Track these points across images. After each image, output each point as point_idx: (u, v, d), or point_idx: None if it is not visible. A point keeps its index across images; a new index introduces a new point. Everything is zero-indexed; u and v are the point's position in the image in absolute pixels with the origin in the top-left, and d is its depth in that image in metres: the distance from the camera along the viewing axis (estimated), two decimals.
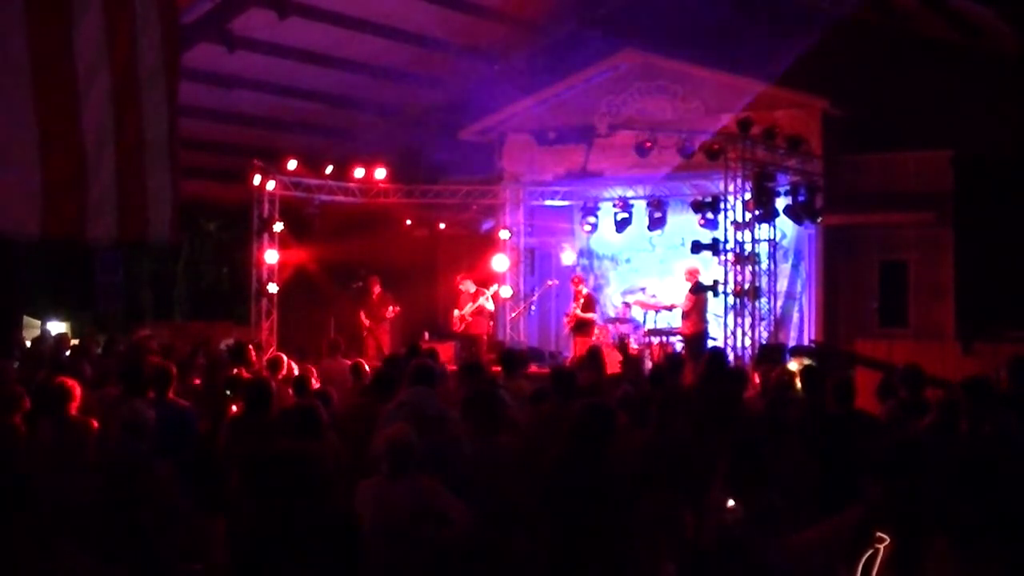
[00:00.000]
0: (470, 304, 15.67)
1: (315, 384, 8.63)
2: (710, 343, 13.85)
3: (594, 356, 9.83)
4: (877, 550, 3.49)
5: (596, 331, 15.36)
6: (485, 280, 16.40)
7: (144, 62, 4.34)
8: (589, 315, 15.05)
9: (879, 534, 3.51)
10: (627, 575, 4.85)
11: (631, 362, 12.91)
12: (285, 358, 9.41)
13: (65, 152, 4.15)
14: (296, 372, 9.04)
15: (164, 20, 4.40)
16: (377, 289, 16.17)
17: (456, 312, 15.83)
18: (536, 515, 5.24)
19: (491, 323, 16.16)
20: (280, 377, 8.76)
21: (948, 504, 3.45)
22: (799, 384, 7.65)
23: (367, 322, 15.94)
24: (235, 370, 9.10)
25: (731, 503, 4.42)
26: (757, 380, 9.93)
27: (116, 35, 4.26)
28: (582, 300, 15.12)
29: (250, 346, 10.32)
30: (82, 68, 4.19)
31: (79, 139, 4.18)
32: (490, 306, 15.79)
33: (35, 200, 4.08)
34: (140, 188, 4.32)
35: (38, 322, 18.62)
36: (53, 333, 16.41)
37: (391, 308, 16.01)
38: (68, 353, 11.59)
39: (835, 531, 3.75)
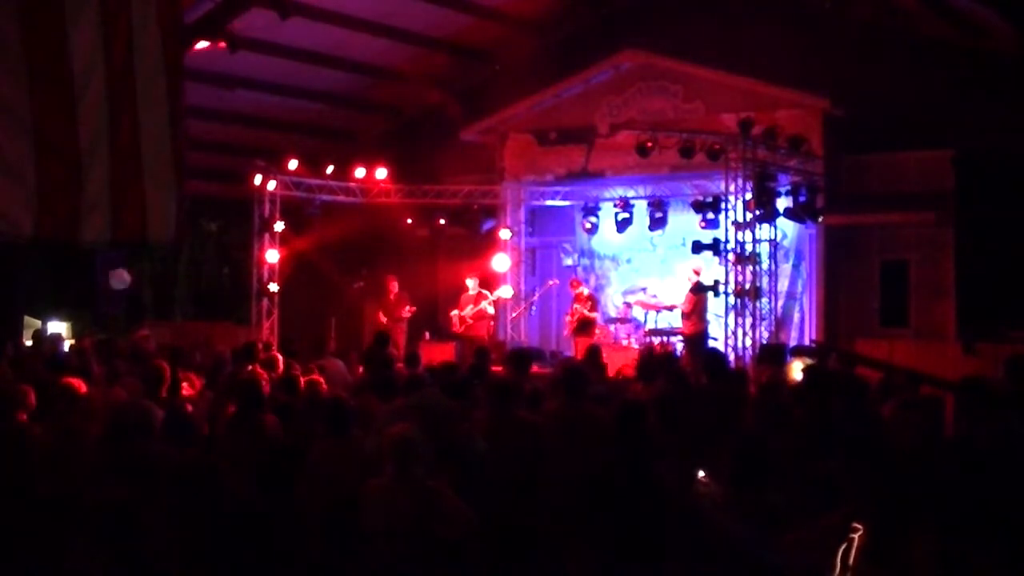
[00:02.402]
0: (471, 306, 15.70)
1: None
2: (711, 343, 13.89)
3: (593, 355, 9.84)
4: (852, 540, 3.52)
5: (597, 331, 15.39)
6: (489, 280, 16.43)
7: (142, 62, 4.31)
8: (594, 314, 15.10)
9: (854, 524, 3.55)
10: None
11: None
12: (281, 358, 9.42)
13: (60, 154, 4.13)
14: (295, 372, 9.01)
15: (163, 19, 4.37)
16: (395, 288, 16.30)
17: (455, 312, 15.85)
18: (581, 517, 5.24)
19: (492, 324, 16.19)
20: (275, 378, 8.73)
21: (937, 498, 3.46)
22: (801, 383, 7.66)
23: (384, 321, 15.96)
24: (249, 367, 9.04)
25: (701, 474, 4.44)
26: (764, 379, 9.93)
27: (112, 36, 4.23)
28: (588, 302, 15.15)
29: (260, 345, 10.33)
30: (78, 69, 4.16)
31: (74, 141, 4.15)
32: (491, 311, 15.89)
33: (29, 202, 4.07)
34: (136, 190, 4.29)
35: (38, 322, 18.60)
36: (50, 333, 16.39)
37: (408, 308, 16.08)
38: (67, 352, 11.58)
39: (826, 529, 3.77)
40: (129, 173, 4.27)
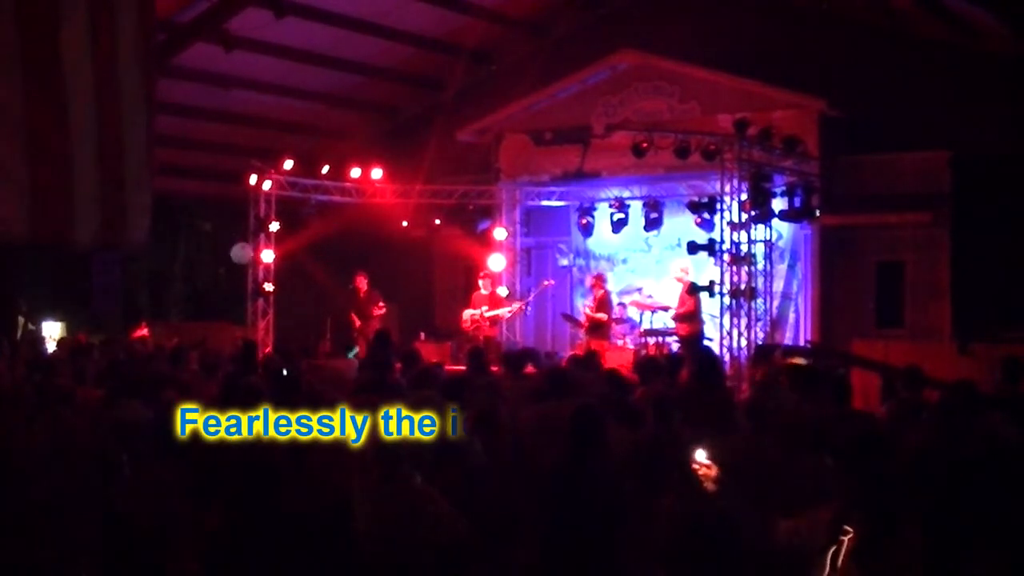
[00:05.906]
0: (485, 307, 15.64)
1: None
2: (707, 343, 13.87)
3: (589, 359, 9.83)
4: (841, 542, 3.53)
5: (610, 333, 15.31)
6: (494, 282, 16.42)
7: (124, 60, 4.27)
8: (600, 315, 14.97)
9: (844, 527, 3.56)
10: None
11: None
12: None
13: (53, 155, 4.09)
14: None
15: (143, 15, 4.33)
16: (364, 286, 16.01)
17: (469, 311, 15.75)
18: (535, 520, 5.24)
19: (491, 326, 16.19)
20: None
21: (926, 500, 3.46)
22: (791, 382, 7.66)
23: (358, 322, 15.81)
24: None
25: (707, 462, 4.44)
26: (758, 379, 9.93)
27: (98, 33, 4.19)
28: (597, 304, 14.95)
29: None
30: (68, 68, 4.12)
31: (66, 141, 4.11)
32: (507, 316, 15.93)
33: (23, 202, 4.02)
34: (119, 191, 4.25)
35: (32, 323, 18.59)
36: (43, 333, 16.38)
37: (379, 305, 15.87)
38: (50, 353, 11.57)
39: (815, 521, 3.78)
40: (114, 174, 4.22)
